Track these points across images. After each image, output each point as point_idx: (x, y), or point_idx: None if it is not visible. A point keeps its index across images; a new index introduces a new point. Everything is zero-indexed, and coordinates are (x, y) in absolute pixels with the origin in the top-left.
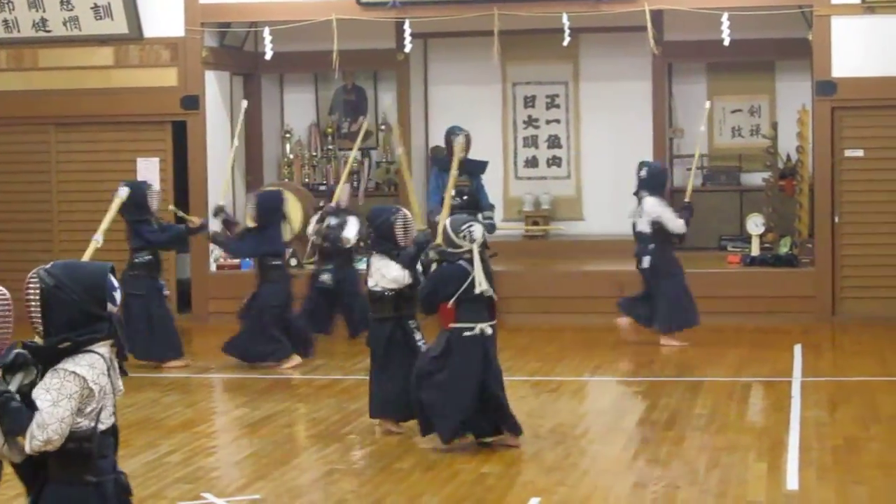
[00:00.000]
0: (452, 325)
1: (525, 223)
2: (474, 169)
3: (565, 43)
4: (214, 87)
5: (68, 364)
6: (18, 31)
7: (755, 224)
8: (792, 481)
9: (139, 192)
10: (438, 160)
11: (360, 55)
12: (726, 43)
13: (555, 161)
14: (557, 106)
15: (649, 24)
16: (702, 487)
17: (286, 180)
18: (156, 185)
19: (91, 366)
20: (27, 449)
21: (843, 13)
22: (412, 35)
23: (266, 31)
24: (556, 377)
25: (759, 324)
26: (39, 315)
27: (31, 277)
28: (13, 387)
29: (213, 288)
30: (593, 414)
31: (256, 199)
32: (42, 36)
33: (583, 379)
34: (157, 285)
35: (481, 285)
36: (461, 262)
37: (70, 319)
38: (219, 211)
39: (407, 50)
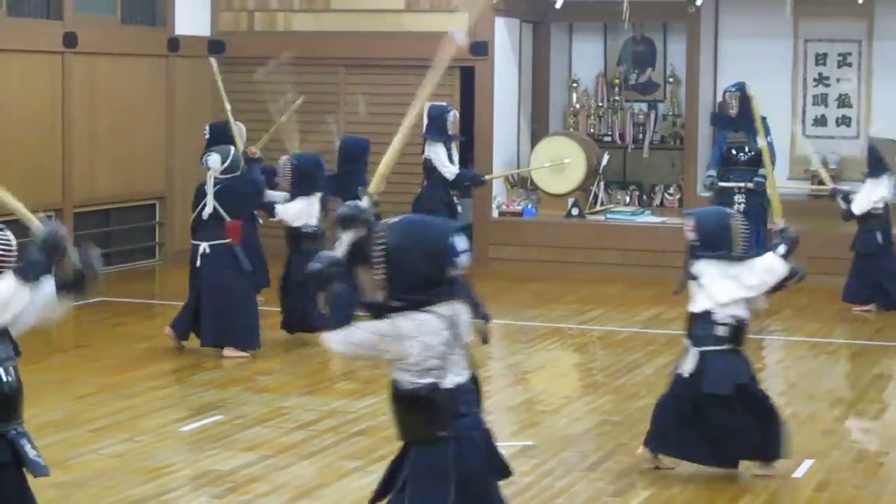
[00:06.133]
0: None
1: (811, 182)
2: (752, 125)
3: (861, 0)
4: (504, 34)
5: (399, 316)
6: None
7: None
8: None
9: (222, 129)
10: (716, 118)
11: (651, 6)
12: None
13: (844, 120)
14: (849, 64)
15: None
16: None
17: (571, 129)
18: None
19: (421, 322)
20: (331, 343)
21: None
22: None
23: None
24: (836, 339)
25: None
26: (382, 272)
27: (377, 230)
28: (342, 246)
29: (494, 234)
30: (871, 378)
31: (341, 143)
32: None
33: (862, 342)
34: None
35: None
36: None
37: (410, 282)
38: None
39: (698, 2)
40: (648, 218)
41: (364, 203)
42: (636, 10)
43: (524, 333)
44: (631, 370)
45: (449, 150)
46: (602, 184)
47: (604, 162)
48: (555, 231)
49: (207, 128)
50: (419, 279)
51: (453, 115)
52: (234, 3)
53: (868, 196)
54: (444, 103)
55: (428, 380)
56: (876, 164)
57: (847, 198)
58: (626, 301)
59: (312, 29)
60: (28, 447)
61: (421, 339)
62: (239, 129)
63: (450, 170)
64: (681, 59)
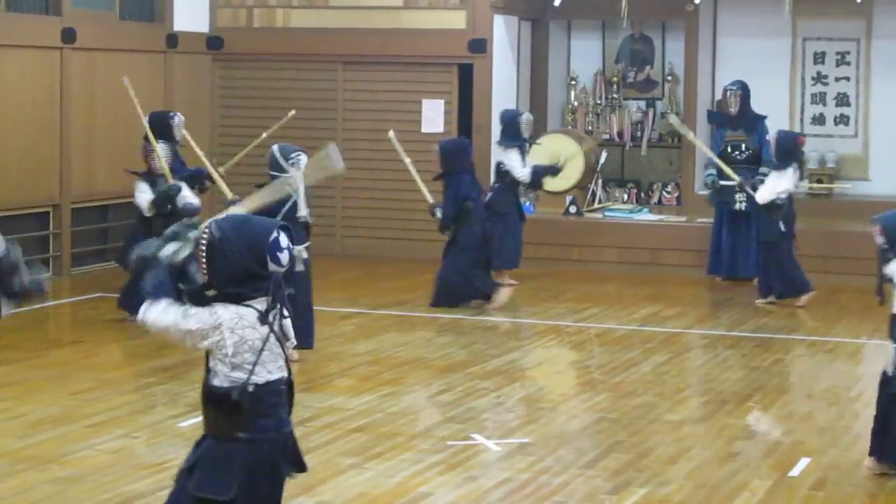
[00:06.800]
0: None
1: (809, 181)
2: (751, 124)
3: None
4: (502, 32)
5: (220, 306)
6: None
7: None
8: None
9: (164, 119)
10: (713, 116)
11: (650, 4)
12: None
13: (842, 119)
14: (848, 63)
15: None
16: None
17: (569, 127)
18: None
19: (240, 316)
20: (141, 312)
21: None
22: None
23: None
24: (833, 338)
25: None
26: (205, 264)
27: (205, 226)
28: (164, 253)
29: None
30: (869, 377)
31: (440, 147)
32: None
33: (860, 341)
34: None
35: (301, 210)
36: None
37: (231, 274)
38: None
39: (697, 1)
40: (646, 216)
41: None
42: (635, 8)
43: (522, 331)
44: (628, 368)
45: (523, 153)
46: (600, 182)
47: (602, 160)
48: (553, 228)
49: (147, 117)
50: (239, 272)
51: (526, 118)
52: None
53: (772, 186)
54: (515, 108)
55: (239, 374)
56: (783, 156)
57: (755, 188)
58: (624, 299)
59: (311, 25)
60: None
61: (237, 332)
62: (180, 121)
63: (524, 173)
64: (679, 58)
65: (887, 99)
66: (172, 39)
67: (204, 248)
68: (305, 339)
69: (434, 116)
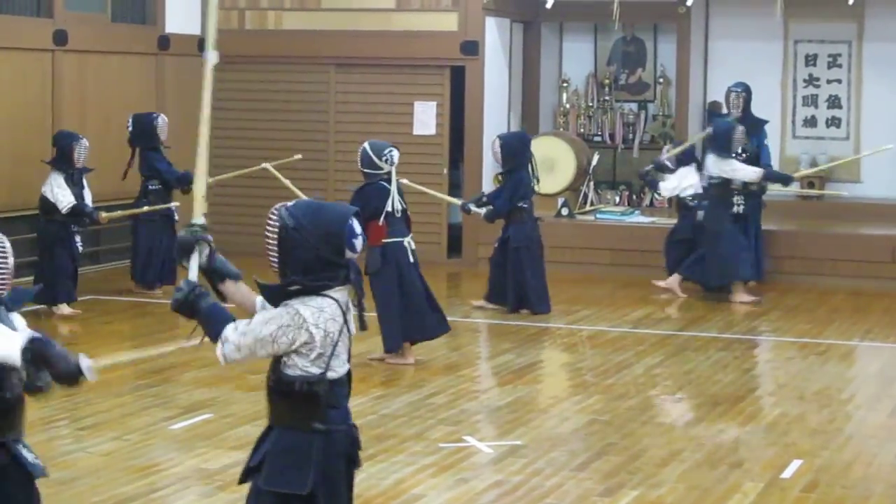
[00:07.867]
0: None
1: (800, 184)
2: (752, 126)
3: (851, 1)
4: (494, 34)
5: (297, 302)
6: None
7: None
8: None
9: (148, 121)
10: (715, 118)
11: (642, 7)
12: None
13: (834, 121)
14: (839, 65)
15: None
16: None
17: (561, 129)
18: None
19: (320, 309)
20: (218, 353)
21: None
22: None
23: None
24: (825, 340)
25: None
26: (276, 253)
27: (273, 213)
28: (193, 270)
29: (483, 233)
30: (861, 379)
31: (502, 142)
32: None
33: (852, 343)
34: (168, 212)
35: (402, 202)
36: (381, 182)
37: (306, 263)
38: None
39: (689, 3)
40: (638, 218)
41: (197, 222)
42: (626, 11)
43: (513, 333)
44: (620, 370)
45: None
46: (592, 184)
47: (594, 162)
48: (544, 231)
49: (131, 120)
50: (315, 261)
51: (741, 130)
52: (224, 1)
53: (678, 182)
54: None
55: (317, 369)
56: (688, 155)
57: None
58: (616, 301)
59: (303, 28)
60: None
61: (321, 326)
62: (164, 122)
63: (756, 172)
64: (671, 60)
65: (879, 101)
66: (164, 41)
67: (274, 236)
68: (440, 325)
69: (426, 119)
